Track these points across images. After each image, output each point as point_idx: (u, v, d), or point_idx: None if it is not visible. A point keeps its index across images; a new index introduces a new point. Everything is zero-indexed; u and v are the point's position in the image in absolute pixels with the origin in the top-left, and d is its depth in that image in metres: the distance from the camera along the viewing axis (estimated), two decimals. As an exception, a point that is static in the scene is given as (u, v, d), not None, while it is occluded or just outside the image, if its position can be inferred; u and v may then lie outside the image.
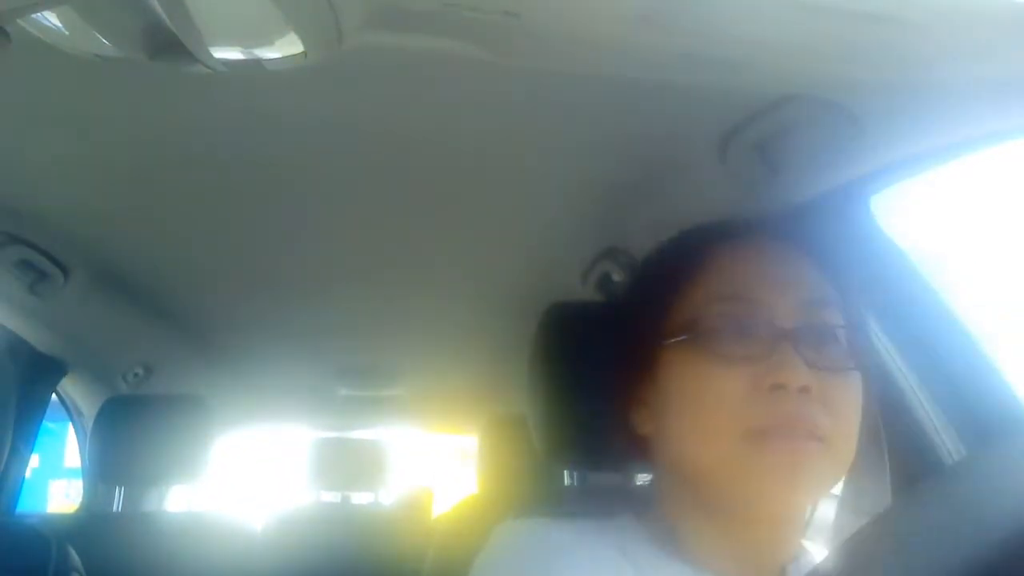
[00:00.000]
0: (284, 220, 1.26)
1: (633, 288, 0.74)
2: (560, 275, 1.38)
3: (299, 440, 2.75)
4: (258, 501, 3.34)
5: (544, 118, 0.91)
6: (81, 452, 1.96)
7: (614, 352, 0.66)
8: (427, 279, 1.56)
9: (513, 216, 1.24)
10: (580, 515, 0.61)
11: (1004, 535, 0.28)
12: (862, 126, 0.75)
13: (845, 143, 0.78)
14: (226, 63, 0.56)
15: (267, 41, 0.55)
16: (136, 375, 1.91)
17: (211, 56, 0.54)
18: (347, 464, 2.46)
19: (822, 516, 0.68)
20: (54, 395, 1.75)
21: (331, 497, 2.44)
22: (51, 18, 0.52)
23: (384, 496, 2.50)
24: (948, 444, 0.83)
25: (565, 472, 1.56)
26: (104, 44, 0.54)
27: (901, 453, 0.82)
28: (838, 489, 0.77)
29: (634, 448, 0.65)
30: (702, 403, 0.57)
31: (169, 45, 0.53)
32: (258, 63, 0.57)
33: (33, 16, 0.52)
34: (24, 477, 1.63)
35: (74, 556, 1.28)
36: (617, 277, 1.27)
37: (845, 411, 0.57)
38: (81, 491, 1.95)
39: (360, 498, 2.47)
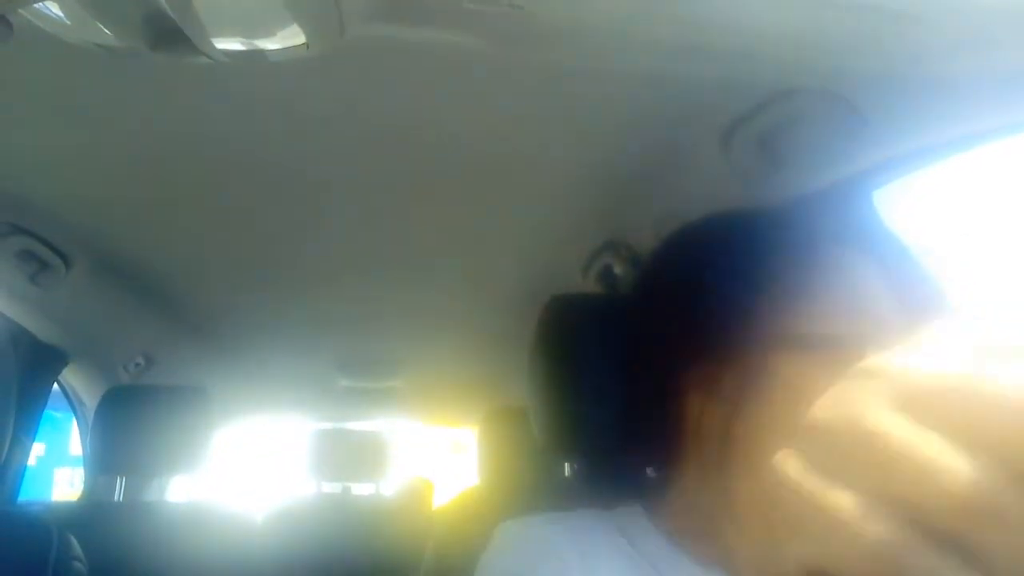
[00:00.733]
0: (286, 211, 1.26)
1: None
2: (561, 267, 1.38)
3: (300, 431, 2.76)
4: (259, 492, 3.35)
5: (545, 109, 0.91)
6: (82, 442, 1.97)
7: (665, 330, 0.63)
8: (428, 271, 1.56)
9: (514, 208, 1.24)
10: (584, 508, 0.61)
11: None
12: (866, 120, 0.75)
13: (849, 137, 0.78)
14: (228, 54, 0.56)
15: (269, 32, 0.55)
16: (137, 365, 1.91)
17: (213, 47, 0.54)
18: (348, 455, 2.46)
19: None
20: (56, 385, 1.75)
21: (332, 488, 2.45)
22: (53, 8, 0.52)
23: (385, 487, 2.51)
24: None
25: (566, 464, 1.56)
26: (106, 34, 0.54)
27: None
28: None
29: (672, 437, 0.61)
30: None
31: (171, 35, 0.53)
32: (260, 54, 0.56)
33: (35, 6, 0.51)
34: (26, 466, 1.63)
35: (75, 545, 1.29)
36: (618, 270, 1.27)
37: None
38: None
39: (361, 489, 2.47)
